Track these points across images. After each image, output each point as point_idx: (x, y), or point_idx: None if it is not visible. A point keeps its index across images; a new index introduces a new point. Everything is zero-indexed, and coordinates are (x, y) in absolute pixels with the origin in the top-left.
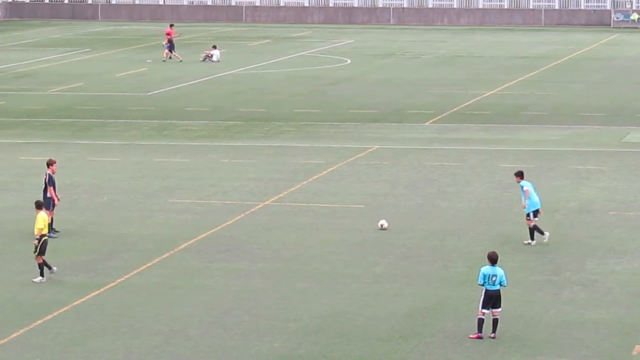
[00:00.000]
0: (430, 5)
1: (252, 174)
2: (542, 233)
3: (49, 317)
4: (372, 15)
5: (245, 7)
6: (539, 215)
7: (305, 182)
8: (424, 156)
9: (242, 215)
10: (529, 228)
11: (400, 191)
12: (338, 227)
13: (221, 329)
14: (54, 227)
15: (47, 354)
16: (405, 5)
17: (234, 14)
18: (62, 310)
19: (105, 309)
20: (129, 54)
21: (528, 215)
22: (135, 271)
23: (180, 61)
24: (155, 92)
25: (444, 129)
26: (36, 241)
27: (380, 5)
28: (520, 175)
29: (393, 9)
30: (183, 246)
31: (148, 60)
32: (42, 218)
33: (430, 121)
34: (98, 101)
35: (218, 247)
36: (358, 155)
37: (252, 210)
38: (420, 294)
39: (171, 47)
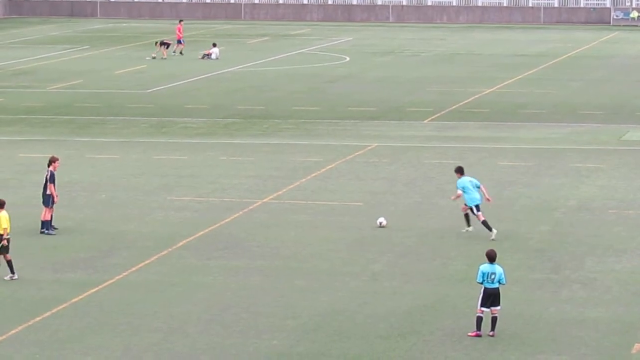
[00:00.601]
0: (429, 3)
1: (250, 172)
2: (490, 229)
3: (48, 313)
4: (371, 13)
5: (244, 4)
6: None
7: (304, 179)
8: (423, 154)
9: (241, 212)
10: (465, 214)
11: (399, 189)
12: (337, 224)
13: (220, 327)
14: (52, 224)
15: (45, 351)
16: (404, 3)
17: (233, 12)
18: (60, 307)
19: (103, 306)
20: (128, 51)
21: (471, 208)
22: (134, 268)
23: (164, 58)
24: (154, 89)
25: (442, 127)
26: (5, 241)
27: (380, 2)
28: (460, 171)
29: (392, 6)
30: (181, 243)
31: (147, 58)
32: (5, 218)
33: (429, 119)
34: (97, 98)
35: (216, 245)
36: (357, 153)
37: (251, 207)
38: (419, 291)
39: (166, 43)
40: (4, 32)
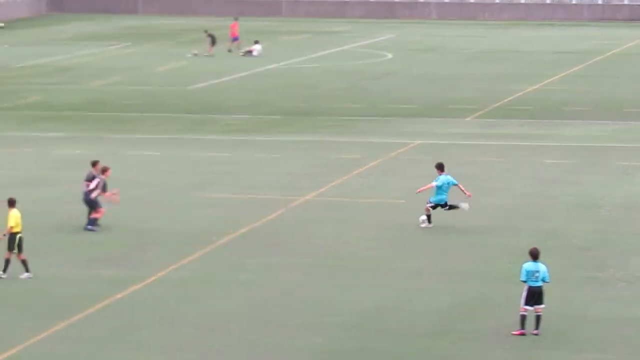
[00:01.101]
0: (471, 0)
1: (292, 169)
2: (429, 222)
3: (90, 310)
4: (414, 10)
5: (285, 1)
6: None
7: (345, 177)
8: (466, 151)
9: (282, 210)
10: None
11: None
12: (378, 222)
13: (260, 324)
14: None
15: (84, 348)
16: (446, 0)
17: (273, 8)
18: (100, 304)
19: (144, 303)
20: (169, 48)
21: (436, 206)
22: (175, 265)
23: (207, 55)
24: (195, 86)
25: (485, 124)
26: (2, 236)
27: None
28: (440, 168)
29: (435, 3)
30: (223, 241)
31: (188, 55)
32: (14, 216)
33: (472, 116)
34: (137, 95)
35: (257, 242)
36: (399, 150)
37: (292, 204)
38: (461, 289)
39: (213, 40)
40: (47, 28)
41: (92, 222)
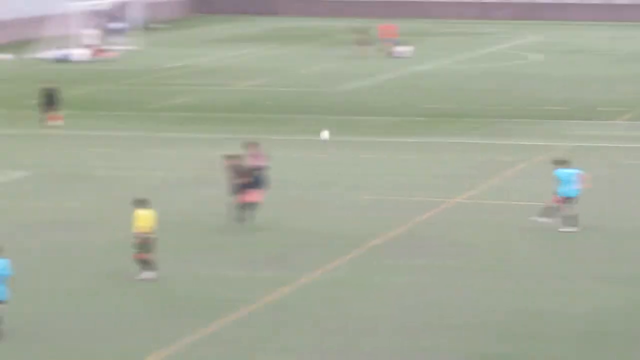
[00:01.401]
0: (620, 2)
1: (442, 171)
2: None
3: (241, 312)
4: (561, 11)
5: (432, 2)
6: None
7: (496, 179)
8: (617, 154)
9: (432, 211)
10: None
11: (592, 190)
12: (527, 224)
13: (411, 327)
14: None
15: (234, 350)
16: (595, 1)
17: (421, 10)
18: (253, 305)
19: (294, 305)
20: (315, 49)
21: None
22: (326, 268)
23: (363, 57)
24: (341, 87)
25: (636, 127)
26: (138, 240)
27: (570, 0)
28: (559, 163)
29: (583, 5)
30: (374, 243)
31: (334, 56)
32: (143, 217)
33: (623, 118)
34: (284, 96)
35: (408, 244)
36: (548, 153)
37: (442, 206)
38: (614, 293)
39: (366, 41)
40: (194, 29)
41: (252, 206)
